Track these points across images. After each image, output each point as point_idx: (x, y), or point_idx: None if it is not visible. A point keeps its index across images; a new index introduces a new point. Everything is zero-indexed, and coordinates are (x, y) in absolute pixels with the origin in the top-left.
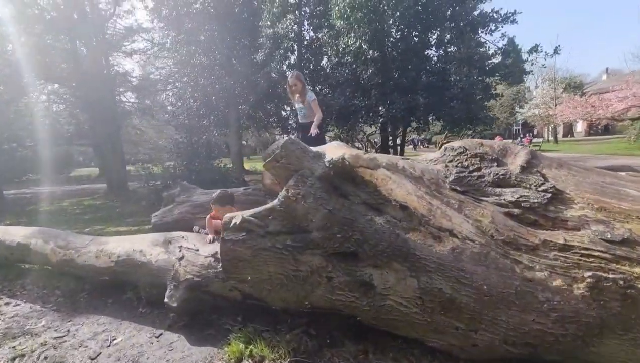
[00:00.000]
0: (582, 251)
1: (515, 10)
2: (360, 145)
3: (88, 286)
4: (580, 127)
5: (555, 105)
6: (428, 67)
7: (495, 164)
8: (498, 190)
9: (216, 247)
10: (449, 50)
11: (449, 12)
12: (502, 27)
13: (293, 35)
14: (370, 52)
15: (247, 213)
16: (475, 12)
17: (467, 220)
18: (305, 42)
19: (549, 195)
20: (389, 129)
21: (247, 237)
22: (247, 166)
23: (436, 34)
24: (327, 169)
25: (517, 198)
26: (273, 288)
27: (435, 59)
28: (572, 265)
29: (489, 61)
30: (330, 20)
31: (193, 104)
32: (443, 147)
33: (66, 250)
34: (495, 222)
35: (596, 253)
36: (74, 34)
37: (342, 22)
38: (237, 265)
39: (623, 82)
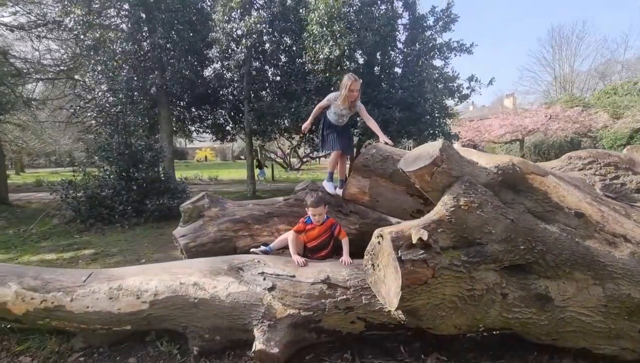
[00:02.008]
0: None
1: (472, 43)
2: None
3: (81, 343)
4: (456, 146)
5: None
6: (396, 84)
7: (631, 172)
8: None
9: (320, 270)
10: (406, 70)
11: (404, 37)
12: (460, 55)
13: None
14: (347, 62)
15: (415, 225)
16: (438, 40)
17: (639, 225)
18: (251, 43)
19: None
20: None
21: (428, 256)
22: None
23: (396, 55)
24: (495, 175)
25: None
26: (447, 314)
27: (401, 75)
28: None
29: (450, 84)
30: (308, 26)
31: (109, 98)
32: (566, 155)
33: (46, 293)
34: None
35: None
36: None
37: (322, 29)
38: (415, 291)
39: (500, 112)
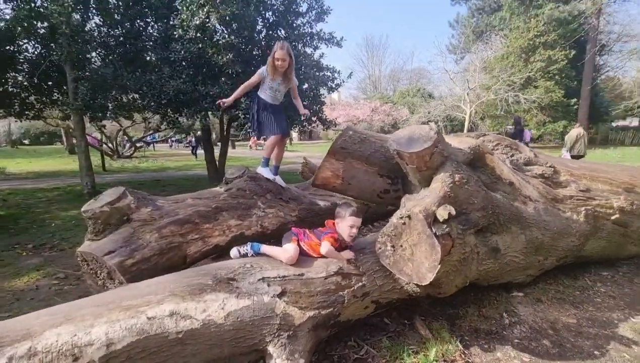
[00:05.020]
0: (575, 197)
1: (342, 37)
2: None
3: None
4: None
5: None
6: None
7: (518, 151)
8: (527, 168)
9: (326, 262)
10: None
11: (274, 19)
12: (330, 46)
13: None
14: (225, 35)
15: (428, 204)
16: (312, 29)
17: (534, 189)
18: None
19: (552, 169)
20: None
21: (450, 229)
22: None
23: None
24: (469, 155)
25: (542, 172)
26: (453, 277)
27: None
28: (576, 205)
29: (323, 73)
30: None
31: None
32: (481, 139)
33: None
34: (545, 189)
35: (581, 197)
36: None
37: None
38: (444, 263)
39: (330, 104)
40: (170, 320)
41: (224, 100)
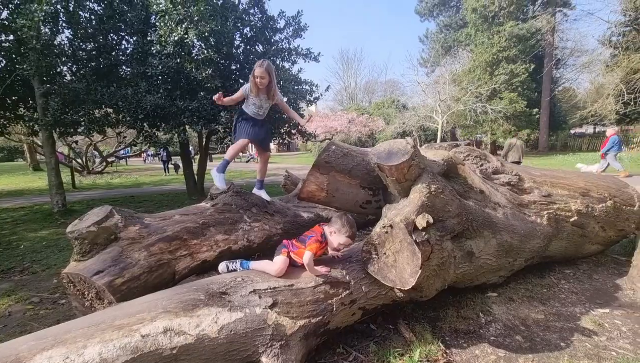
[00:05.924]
0: (538, 202)
1: (319, 52)
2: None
3: None
4: (272, 144)
5: None
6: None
7: (486, 161)
8: (495, 176)
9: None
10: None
11: (251, 34)
12: (308, 61)
13: None
14: (207, 51)
15: (408, 213)
16: (289, 44)
17: (502, 196)
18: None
19: (517, 177)
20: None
21: (428, 236)
22: None
23: (248, 50)
24: (443, 166)
25: (508, 180)
26: (433, 281)
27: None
28: (539, 210)
29: (302, 87)
30: None
31: None
32: (452, 150)
33: None
34: (512, 195)
35: (543, 202)
36: None
37: (172, 6)
38: (425, 268)
39: (307, 115)
40: (164, 337)
41: (220, 96)
